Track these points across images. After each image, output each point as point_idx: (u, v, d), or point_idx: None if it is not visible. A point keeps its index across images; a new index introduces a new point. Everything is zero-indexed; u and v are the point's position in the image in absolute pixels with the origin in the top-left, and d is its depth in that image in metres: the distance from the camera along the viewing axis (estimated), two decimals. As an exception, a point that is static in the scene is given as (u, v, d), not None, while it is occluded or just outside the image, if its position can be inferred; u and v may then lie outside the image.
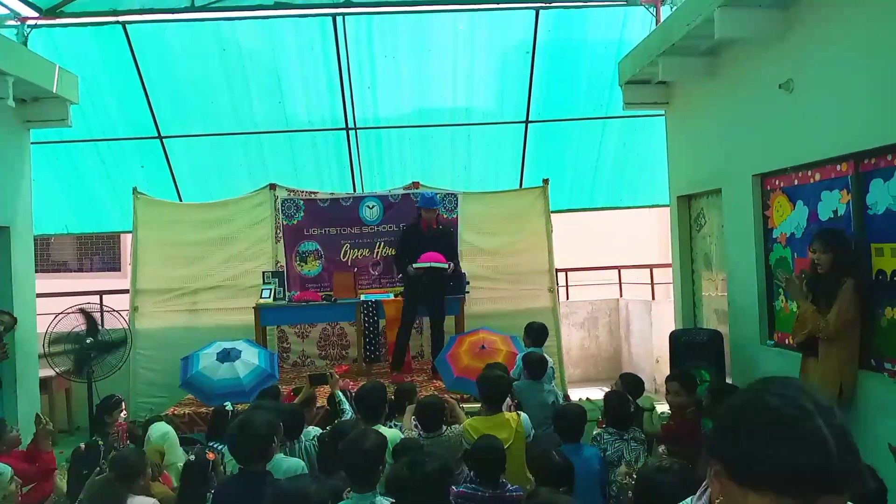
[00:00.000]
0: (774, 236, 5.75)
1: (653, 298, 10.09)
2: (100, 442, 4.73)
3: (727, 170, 6.35)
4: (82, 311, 7.37)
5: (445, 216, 8.54)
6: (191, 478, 3.97)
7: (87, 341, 7.24)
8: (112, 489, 3.66)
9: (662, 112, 7.87)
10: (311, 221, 8.43)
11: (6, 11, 7.62)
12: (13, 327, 6.03)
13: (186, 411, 6.62)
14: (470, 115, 9.18)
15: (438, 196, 7.87)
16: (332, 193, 8.69)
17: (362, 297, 7.84)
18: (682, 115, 7.42)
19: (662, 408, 5.78)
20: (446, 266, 7.24)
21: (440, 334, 7.49)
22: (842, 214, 4.90)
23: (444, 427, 4.73)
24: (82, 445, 4.75)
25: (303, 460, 4.49)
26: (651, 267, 10.58)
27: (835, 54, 4.84)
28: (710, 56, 6.47)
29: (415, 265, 7.21)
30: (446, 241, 7.57)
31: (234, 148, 9.19)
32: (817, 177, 5.17)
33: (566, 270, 10.65)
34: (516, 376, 5.77)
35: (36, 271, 7.70)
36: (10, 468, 4.32)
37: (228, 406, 5.65)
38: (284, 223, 8.46)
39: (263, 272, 8.05)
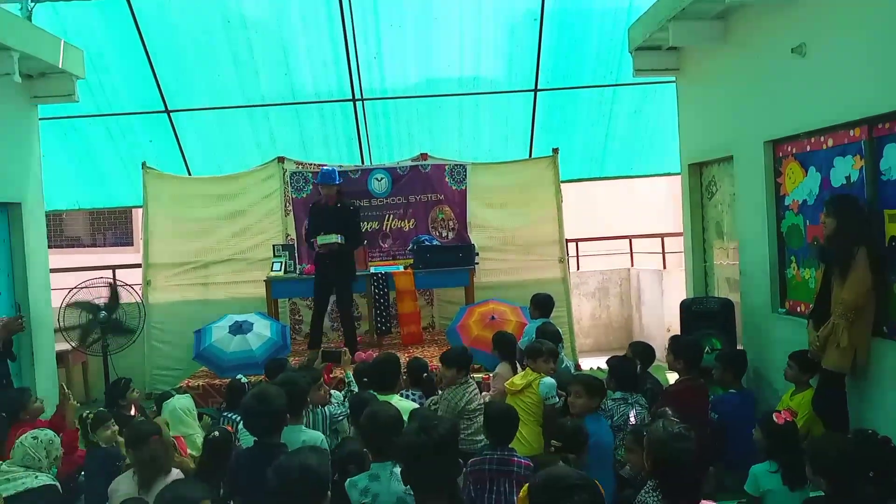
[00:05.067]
0: (786, 203, 5.70)
1: (664, 267, 10.05)
2: (103, 414, 4.78)
3: (738, 136, 6.27)
4: (109, 285, 7.52)
5: (454, 188, 8.52)
6: (214, 453, 4.04)
7: (101, 315, 7.35)
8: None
9: (673, 79, 7.76)
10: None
11: None
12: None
13: (200, 383, 6.70)
14: (478, 85, 9.08)
15: (338, 172, 7.42)
16: (341, 166, 8.67)
17: (372, 270, 7.85)
18: (692, 81, 7.31)
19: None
20: (336, 238, 6.91)
21: (349, 319, 7.28)
22: (855, 180, 4.84)
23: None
24: (89, 413, 4.81)
25: (325, 423, 4.58)
26: (662, 236, 10.53)
27: (848, 17, 4.73)
28: (721, 20, 6.34)
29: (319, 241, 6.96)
30: (347, 217, 7.16)
31: (241, 121, 9.16)
32: (830, 142, 5.10)
33: (577, 240, 10.61)
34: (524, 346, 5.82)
35: (49, 247, 7.75)
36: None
37: (243, 379, 5.73)
38: (294, 196, 8.46)
39: (274, 245, 8.08)
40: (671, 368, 5.57)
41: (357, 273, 7.50)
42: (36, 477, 4.09)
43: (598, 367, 8.18)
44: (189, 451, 5.02)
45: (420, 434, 2.67)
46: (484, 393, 5.46)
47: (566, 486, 2.15)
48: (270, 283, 7.70)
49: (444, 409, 4.87)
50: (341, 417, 4.80)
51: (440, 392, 5.10)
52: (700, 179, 7.45)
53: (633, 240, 10.74)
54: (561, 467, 3.01)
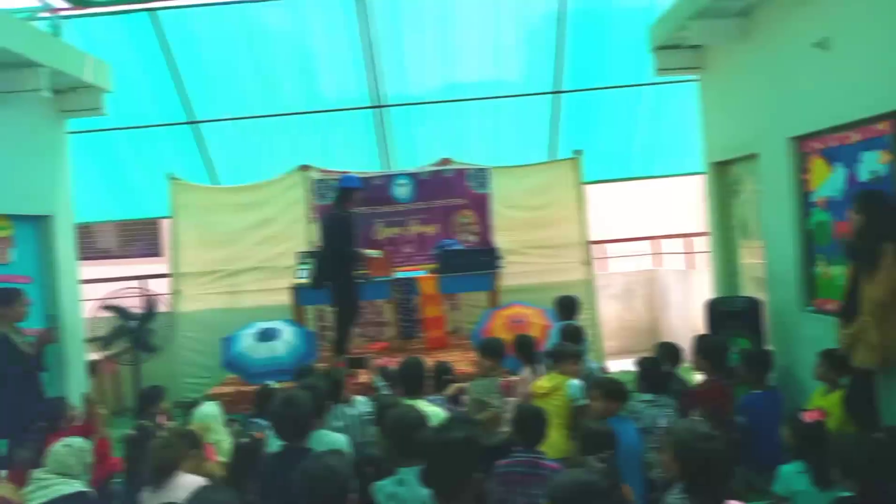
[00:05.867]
0: (812, 200, 5.62)
1: (690, 268, 9.97)
2: (148, 424, 4.86)
3: (763, 134, 6.21)
4: (142, 296, 7.66)
5: (477, 192, 8.54)
6: (243, 458, 4.09)
7: (131, 324, 7.48)
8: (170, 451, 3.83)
9: (695, 77, 7.70)
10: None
11: (39, 3, 7.72)
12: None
13: (229, 390, 6.76)
14: (499, 88, 9.09)
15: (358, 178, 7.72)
16: (364, 172, 8.71)
17: (396, 275, 7.88)
18: (715, 79, 7.25)
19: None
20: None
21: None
22: (882, 175, 4.76)
23: None
24: (132, 431, 4.88)
25: (347, 423, 4.64)
26: (688, 236, 10.44)
27: (872, 8, 4.67)
28: (743, 17, 6.28)
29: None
30: None
31: (264, 130, 9.25)
32: (856, 137, 5.03)
33: (601, 242, 10.56)
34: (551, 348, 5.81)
35: (81, 259, 7.87)
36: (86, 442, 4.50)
37: (273, 384, 5.78)
38: (318, 204, 8.52)
39: (298, 253, 8.14)
40: (696, 368, 5.53)
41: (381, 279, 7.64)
42: (69, 484, 4.17)
43: (626, 370, 8.12)
44: (217, 457, 5.08)
45: (438, 434, 2.68)
46: (507, 398, 5.46)
47: (584, 491, 2.15)
48: (296, 290, 7.76)
49: (479, 392, 5.00)
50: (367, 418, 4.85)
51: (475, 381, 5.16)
52: (724, 178, 7.38)
53: (658, 240, 10.66)
54: (579, 470, 3.00)
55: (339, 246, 6.94)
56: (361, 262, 7.22)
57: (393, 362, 6.01)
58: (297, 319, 7.66)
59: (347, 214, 7.12)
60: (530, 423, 3.93)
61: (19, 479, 4.27)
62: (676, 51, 7.31)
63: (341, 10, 8.30)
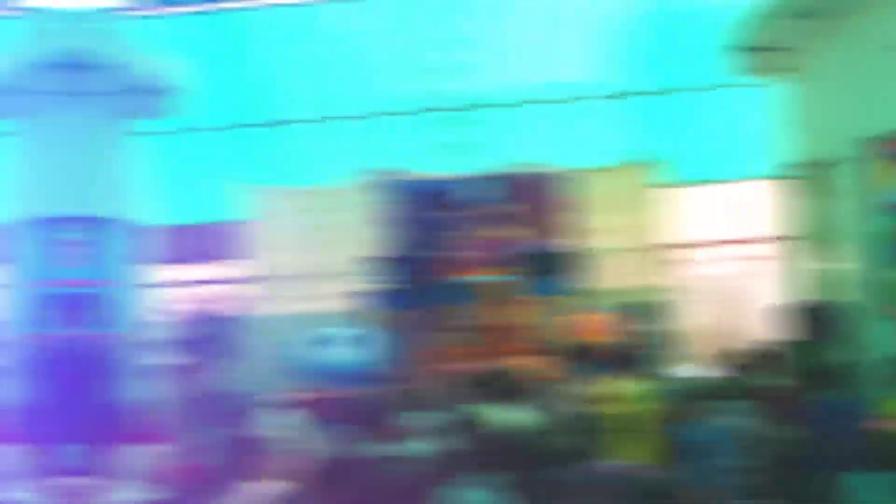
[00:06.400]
0: (892, 203, 5.47)
1: (764, 272, 9.72)
2: (230, 431, 4.97)
3: (844, 136, 6.05)
4: (212, 301, 7.84)
5: (552, 195, 8.50)
6: (324, 464, 4.18)
7: (208, 332, 7.67)
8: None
9: (777, 78, 7.47)
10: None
11: (109, 4, 7.62)
12: None
13: (305, 397, 6.82)
14: (568, 90, 9.07)
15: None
16: (433, 176, 8.74)
17: (475, 279, 7.88)
18: (798, 81, 7.05)
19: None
20: None
21: None
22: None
23: None
24: (215, 438, 5.00)
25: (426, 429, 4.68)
26: (763, 240, 10.17)
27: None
28: (828, 18, 6.11)
29: None
30: None
31: (336, 133, 9.38)
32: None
33: (673, 246, 10.38)
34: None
35: (160, 262, 8.09)
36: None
37: (346, 390, 5.86)
38: (395, 208, 8.56)
39: (371, 258, 8.20)
40: (773, 374, 5.45)
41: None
42: (140, 490, 4.29)
43: (702, 376, 7.96)
44: (300, 463, 5.18)
45: (517, 441, 2.71)
46: (581, 404, 5.44)
47: (648, 493, 2.16)
48: (368, 295, 7.82)
49: (554, 398, 4.99)
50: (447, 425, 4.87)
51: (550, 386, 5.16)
52: (804, 181, 7.16)
53: (735, 245, 10.44)
54: (647, 473, 2.99)
55: (420, 250, 6.98)
56: (442, 266, 7.24)
57: (472, 368, 6.03)
58: (375, 325, 7.71)
59: (427, 218, 7.15)
60: (601, 428, 3.93)
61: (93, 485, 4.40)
62: (759, 52, 7.13)
63: (407, 12, 8.34)
